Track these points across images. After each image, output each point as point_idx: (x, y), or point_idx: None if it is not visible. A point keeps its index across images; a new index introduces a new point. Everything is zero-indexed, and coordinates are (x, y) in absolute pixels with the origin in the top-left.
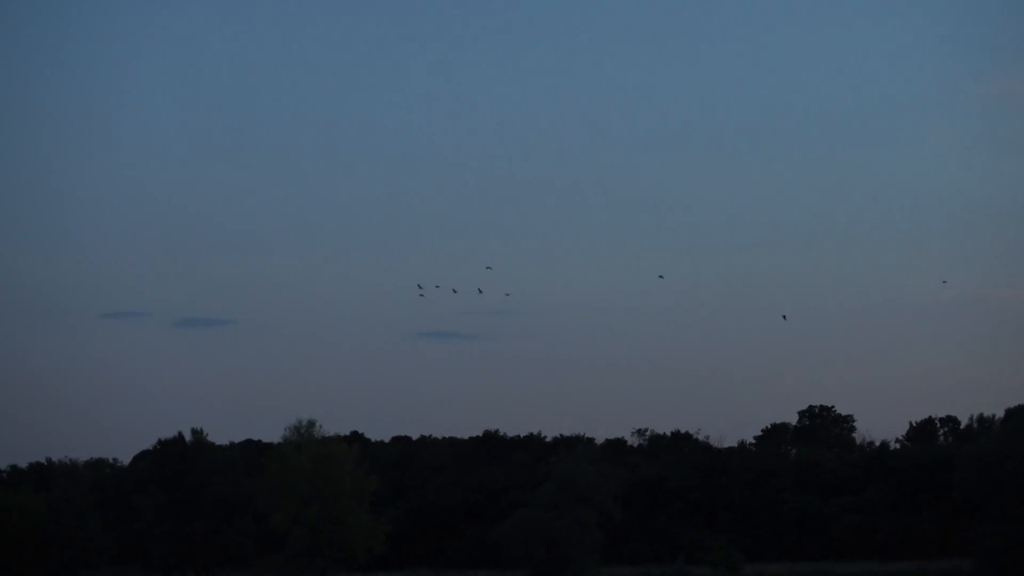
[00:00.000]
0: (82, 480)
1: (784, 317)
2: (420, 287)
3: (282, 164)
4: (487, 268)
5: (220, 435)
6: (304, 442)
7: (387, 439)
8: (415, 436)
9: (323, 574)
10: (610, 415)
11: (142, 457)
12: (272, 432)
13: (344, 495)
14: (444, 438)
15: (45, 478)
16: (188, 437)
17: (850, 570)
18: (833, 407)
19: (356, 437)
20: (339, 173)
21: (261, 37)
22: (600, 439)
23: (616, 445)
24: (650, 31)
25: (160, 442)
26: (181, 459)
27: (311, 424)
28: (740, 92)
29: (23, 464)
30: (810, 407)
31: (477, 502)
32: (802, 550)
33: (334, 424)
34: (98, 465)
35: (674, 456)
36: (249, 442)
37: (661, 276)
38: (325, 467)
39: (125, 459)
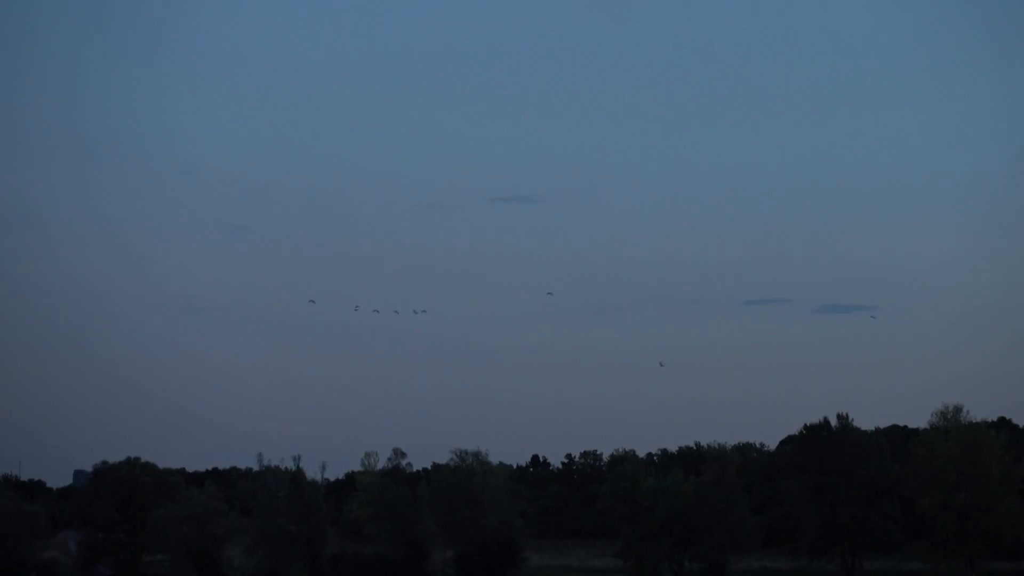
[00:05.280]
0: (730, 463)
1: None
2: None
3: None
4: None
5: (865, 420)
6: (951, 428)
7: None
8: None
9: (971, 561)
10: None
11: (788, 442)
12: (918, 417)
13: (993, 482)
14: None
15: (695, 461)
16: (834, 422)
17: None
18: None
19: (1003, 423)
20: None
21: None
22: None
23: None
24: None
25: (806, 427)
26: (827, 444)
27: (958, 410)
28: None
29: (673, 448)
30: None
31: None
32: None
33: (981, 410)
34: (745, 449)
35: None
36: (894, 427)
37: None
38: (973, 453)
39: (771, 443)
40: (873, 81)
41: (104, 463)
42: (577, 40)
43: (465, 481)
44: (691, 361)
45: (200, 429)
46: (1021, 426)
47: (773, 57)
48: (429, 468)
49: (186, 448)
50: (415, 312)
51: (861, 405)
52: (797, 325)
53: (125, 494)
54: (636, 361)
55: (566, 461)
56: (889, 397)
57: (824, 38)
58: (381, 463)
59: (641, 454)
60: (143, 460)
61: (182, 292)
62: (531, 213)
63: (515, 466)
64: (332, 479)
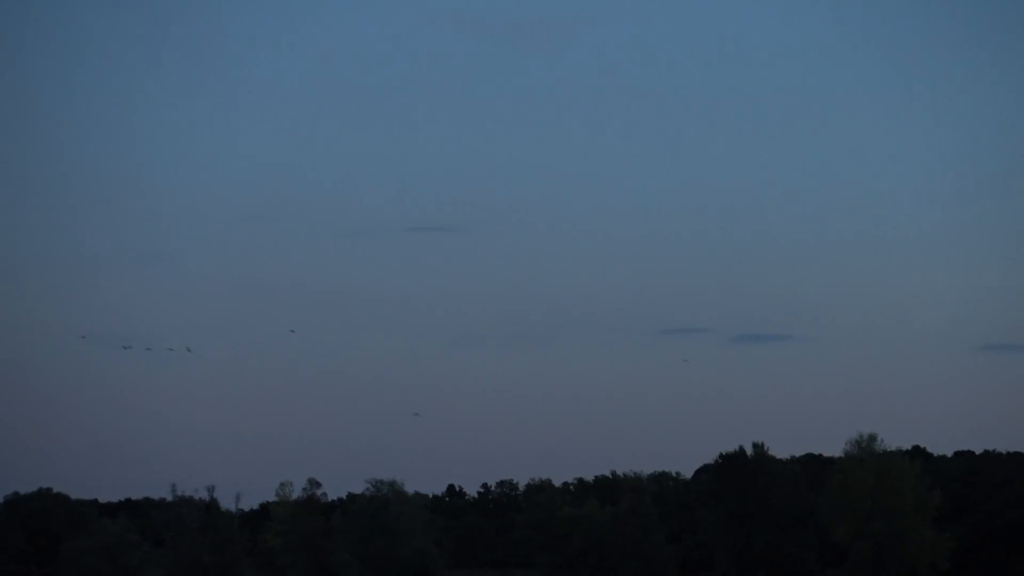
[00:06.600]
0: (646, 492)
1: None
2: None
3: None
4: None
5: (781, 449)
6: (865, 456)
7: (949, 454)
8: (978, 451)
9: None
10: None
11: (704, 470)
12: (833, 446)
13: (907, 510)
14: (1009, 453)
15: (611, 490)
16: (749, 451)
17: None
18: None
19: (918, 452)
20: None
21: None
22: None
23: None
24: None
25: (722, 456)
26: (743, 473)
27: (872, 438)
28: None
29: (589, 477)
30: None
31: None
32: None
33: (895, 438)
34: (661, 478)
35: None
36: (810, 456)
37: None
38: (887, 482)
39: (687, 472)
40: (791, 108)
41: (15, 494)
42: (496, 70)
43: (381, 511)
44: (608, 390)
45: (113, 460)
46: (935, 455)
47: (689, 84)
48: (344, 498)
49: (98, 479)
50: (187, 350)
51: (776, 434)
52: (713, 354)
53: (36, 525)
54: (553, 390)
55: (482, 490)
56: (804, 426)
57: (744, 66)
58: (296, 493)
59: (557, 483)
60: (55, 491)
61: (96, 322)
62: (450, 243)
63: (431, 495)
64: (247, 509)
